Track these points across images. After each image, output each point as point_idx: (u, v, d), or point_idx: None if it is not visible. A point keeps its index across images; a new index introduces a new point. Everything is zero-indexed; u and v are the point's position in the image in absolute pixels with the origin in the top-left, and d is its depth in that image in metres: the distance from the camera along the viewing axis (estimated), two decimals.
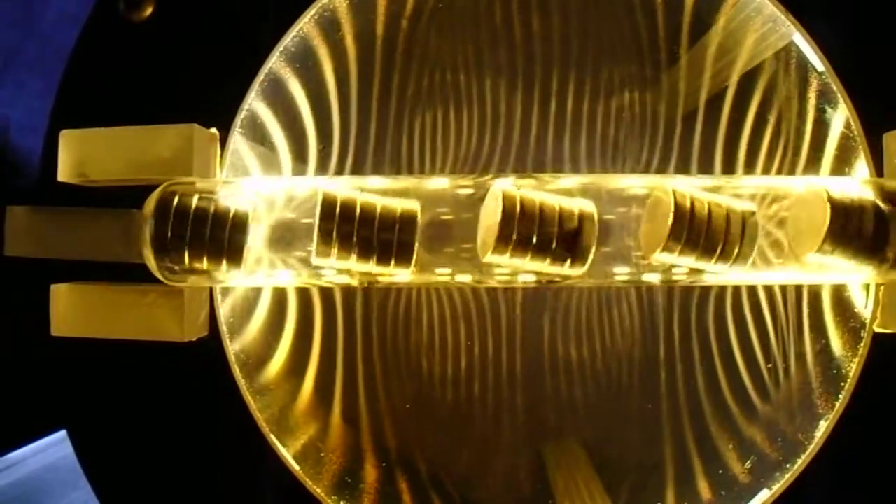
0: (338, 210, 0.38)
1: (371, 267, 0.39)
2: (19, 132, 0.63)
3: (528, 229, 0.38)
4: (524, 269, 0.39)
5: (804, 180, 0.41)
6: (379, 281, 0.40)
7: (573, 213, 0.38)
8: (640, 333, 0.47)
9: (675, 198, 0.38)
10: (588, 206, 0.39)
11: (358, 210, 0.38)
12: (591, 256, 0.38)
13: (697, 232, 0.38)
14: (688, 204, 0.38)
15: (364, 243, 0.38)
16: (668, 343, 0.47)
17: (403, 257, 0.38)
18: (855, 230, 0.38)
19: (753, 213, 0.38)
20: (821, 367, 0.45)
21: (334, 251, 0.38)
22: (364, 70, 0.47)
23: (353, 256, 0.38)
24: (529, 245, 0.38)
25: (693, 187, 0.39)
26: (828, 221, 0.37)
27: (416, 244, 0.38)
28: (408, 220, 0.38)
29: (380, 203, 0.39)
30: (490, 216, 0.38)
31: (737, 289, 0.46)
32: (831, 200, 0.38)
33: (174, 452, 0.46)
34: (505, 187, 0.38)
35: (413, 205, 0.39)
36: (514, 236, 0.38)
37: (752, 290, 0.46)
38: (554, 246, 0.38)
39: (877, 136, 0.42)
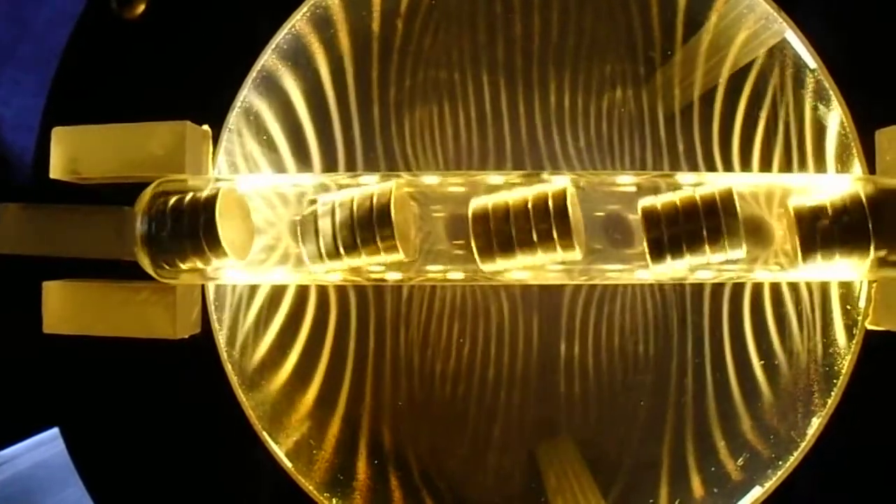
0: (318, 227, 0.38)
1: (364, 260, 0.39)
2: (12, 130, 0.63)
3: (503, 230, 0.37)
4: (524, 267, 0.39)
5: (796, 178, 0.41)
6: (378, 272, 0.40)
7: (545, 196, 0.38)
8: (633, 331, 0.47)
9: (642, 212, 0.38)
10: (559, 183, 0.38)
11: (337, 216, 0.38)
12: (580, 234, 0.38)
13: (674, 231, 0.37)
14: (658, 207, 0.38)
15: (349, 242, 0.38)
16: (662, 341, 0.47)
17: (386, 242, 0.38)
18: (834, 236, 0.37)
19: (729, 191, 0.38)
20: (813, 365, 0.45)
21: (326, 261, 0.38)
22: (356, 67, 0.47)
23: (344, 258, 0.38)
24: (513, 246, 0.38)
25: (669, 186, 0.39)
26: (798, 246, 0.37)
27: (394, 224, 0.38)
28: (381, 202, 0.38)
29: (356, 196, 0.38)
30: None
31: (731, 286, 0.46)
32: (798, 216, 0.38)
33: (166, 450, 0.46)
34: (474, 204, 0.38)
35: (387, 185, 0.39)
36: (494, 244, 0.38)
37: (745, 288, 0.46)
38: (535, 237, 0.38)
39: (869, 133, 0.42)
